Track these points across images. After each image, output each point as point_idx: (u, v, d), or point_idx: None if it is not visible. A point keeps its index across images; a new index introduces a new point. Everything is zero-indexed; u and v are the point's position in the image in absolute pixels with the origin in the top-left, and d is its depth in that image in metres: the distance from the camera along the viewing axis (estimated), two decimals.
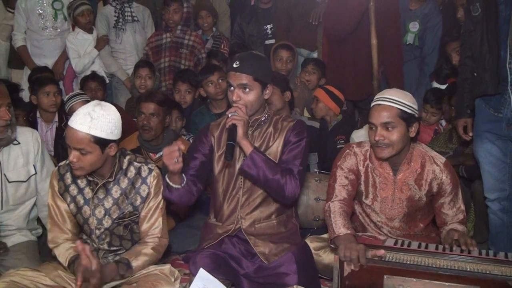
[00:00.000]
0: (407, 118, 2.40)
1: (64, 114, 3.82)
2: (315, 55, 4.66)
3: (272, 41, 4.66)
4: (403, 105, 2.40)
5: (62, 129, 3.78)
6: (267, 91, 2.49)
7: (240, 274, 2.53)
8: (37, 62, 4.61)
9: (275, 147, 2.53)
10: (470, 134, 2.99)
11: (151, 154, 3.28)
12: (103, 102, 2.33)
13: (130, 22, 4.65)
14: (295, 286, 2.41)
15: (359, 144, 2.64)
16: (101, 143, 2.27)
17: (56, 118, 3.82)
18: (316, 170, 3.51)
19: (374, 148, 2.49)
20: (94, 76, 4.28)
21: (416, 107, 2.46)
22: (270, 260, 2.50)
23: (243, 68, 2.42)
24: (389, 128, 2.41)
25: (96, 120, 2.23)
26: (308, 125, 3.52)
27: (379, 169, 2.55)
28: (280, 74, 3.79)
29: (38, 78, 4.01)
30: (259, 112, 2.54)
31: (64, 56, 4.67)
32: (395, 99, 2.41)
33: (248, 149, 2.39)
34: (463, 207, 2.55)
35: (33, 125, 3.77)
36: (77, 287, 2.15)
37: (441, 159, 2.53)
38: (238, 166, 2.52)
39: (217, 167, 2.59)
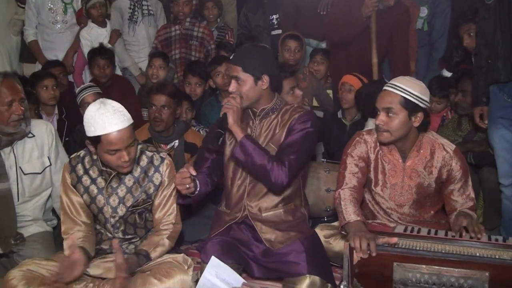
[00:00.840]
0: (410, 107, 2.41)
1: (64, 106, 3.87)
2: (323, 45, 4.65)
3: (279, 31, 4.64)
4: (407, 93, 2.40)
5: (63, 121, 3.86)
6: (262, 82, 2.51)
7: (249, 258, 2.57)
8: (48, 56, 4.64)
9: (279, 136, 2.55)
10: (486, 122, 2.99)
11: (162, 145, 3.31)
12: (103, 100, 2.34)
13: (146, 15, 4.67)
14: (307, 275, 2.43)
15: (369, 132, 2.65)
16: (133, 127, 2.37)
17: (56, 111, 3.87)
18: (323, 160, 3.51)
19: (376, 132, 2.53)
20: (101, 51, 4.22)
21: (425, 98, 2.44)
22: (275, 247, 2.53)
23: (234, 60, 2.54)
24: (390, 114, 2.43)
25: (123, 110, 2.31)
26: None
27: (389, 155, 2.56)
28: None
29: (35, 72, 4.04)
30: (265, 101, 2.57)
31: (73, 49, 4.68)
32: (400, 87, 2.42)
33: (238, 136, 2.43)
34: (473, 195, 2.55)
35: (39, 118, 3.79)
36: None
37: (451, 146, 2.53)
38: None
39: (227, 155, 2.63)
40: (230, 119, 2.42)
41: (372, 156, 2.59)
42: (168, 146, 3.32)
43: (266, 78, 2.51)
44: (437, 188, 2.56)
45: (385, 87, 2.49)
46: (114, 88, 4.24)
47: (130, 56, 4.67)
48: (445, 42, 4.31)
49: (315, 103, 4.22)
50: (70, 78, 4.67)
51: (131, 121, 2.33)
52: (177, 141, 3.33)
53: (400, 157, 2.55)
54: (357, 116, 3.69)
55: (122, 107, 2.33)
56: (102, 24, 4.61)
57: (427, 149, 2.52)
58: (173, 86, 3.58)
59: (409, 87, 2.41)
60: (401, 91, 2.41)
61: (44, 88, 3.78)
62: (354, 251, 2.18)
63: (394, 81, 2.47)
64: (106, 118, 2.25)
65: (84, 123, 2.31)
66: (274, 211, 2.60)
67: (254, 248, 2.57)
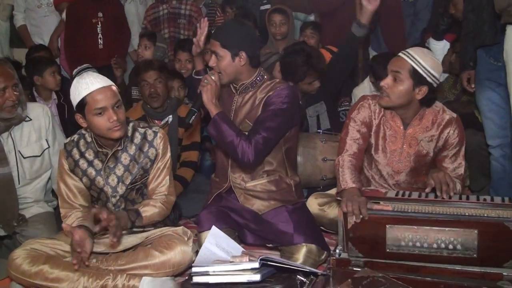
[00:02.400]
0: (416, 78, 2.42)
1: (61, 91, 3.89)
2: (311, 18, 4.66)
3: (268, 6, 4.63)
4: (417, 63, 2.41)
5: (62, 105, 3.88)
6: (240, 58, 2.51)
7: (241, 225, 2.65)
8: (36, 41, 4.65)
9: (255, 112, 2.58)
10: (473, 85, 3.05)
11: (156, 121, 3.35)
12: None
13: None
14: (304, 244, 2.50)
15: (375, 97, 2.65)
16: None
17: (54, 96, 3.89)
18: (319, 131, 3.57)
19: (380, 94, 2.56)
20: None
21: (434, 73, 2.43)
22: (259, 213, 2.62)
23: (213, 35, 2.56)
24: (396, 79, 2.45)
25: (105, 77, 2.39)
26: None
27: (391, 121, 2.58)
28: None
29: (41, 58, 4.05)
30: (245, 77, 2.59)
31: (57, 33, 4.67)
32: (412, 55, 2.44)
33: (212, 113, 2.48)
34: (463, 164, 2.59)
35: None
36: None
37: (453, 114, 2.56)
38: None
39: None
40: (205, 97, 2.47)
41: (375, 121, 2.60)
42: (163, 122, 3.36)
43: (243, 55, 2.52)
44: (434, 156, 2.60)
45: (400, 53, 2.50)
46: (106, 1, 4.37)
47: None
48: (429, 13, 4.32)
49: None
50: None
51: (114, 84, 2.38)
52: (171, 116, 3.37)
53: (401, 124, 2.57)
54: None
55: None
56: None
57: (429, 119, 2.55)
58: (158, 61, 3.62)
59: (421, 58, 2.42)
60: (412, 60, 2.43)
61: (53, 74, 3.81)
62: (348, 216, 2.25)
63: (409, 50, 2.48)
64: (88, 80, 2.31)
65: (71, 97, 2.35)
66: (258, 181, 2.65)
67: (245, 213, 2.64)
